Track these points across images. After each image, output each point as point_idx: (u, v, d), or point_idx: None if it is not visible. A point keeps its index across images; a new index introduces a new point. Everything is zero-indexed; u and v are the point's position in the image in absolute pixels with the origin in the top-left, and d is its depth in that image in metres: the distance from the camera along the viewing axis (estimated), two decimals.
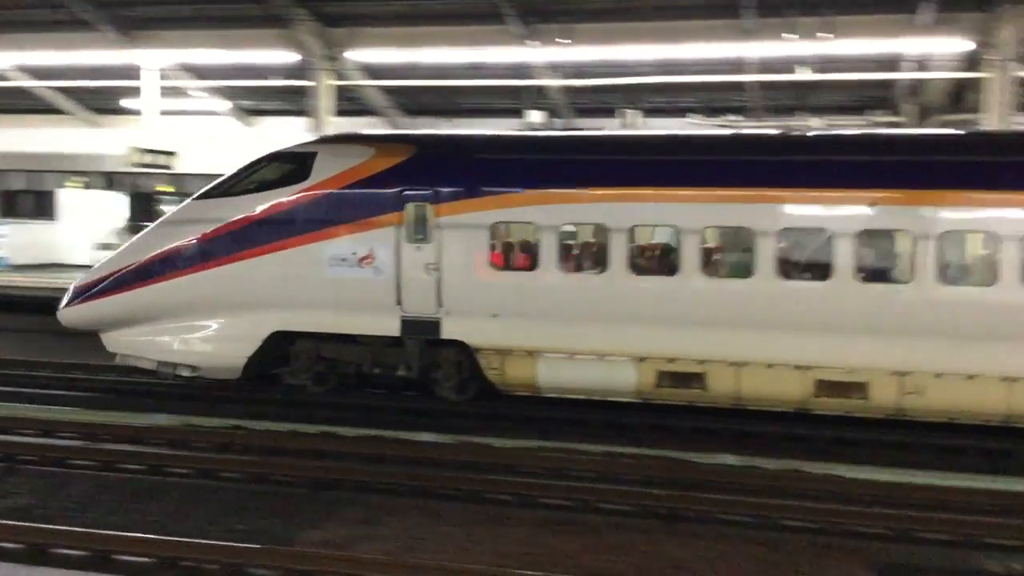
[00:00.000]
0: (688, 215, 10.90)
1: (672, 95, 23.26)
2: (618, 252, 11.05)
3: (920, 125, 21.78)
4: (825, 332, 10.55)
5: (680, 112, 23.82)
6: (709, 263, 11.00)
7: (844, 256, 10.40)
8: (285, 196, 11.91)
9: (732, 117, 22.60)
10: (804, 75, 20.40)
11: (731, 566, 6.97)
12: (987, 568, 7.29)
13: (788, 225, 10.71)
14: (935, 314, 10.25)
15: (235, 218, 12.04)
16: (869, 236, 10.50)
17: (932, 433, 10.79)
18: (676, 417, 11.50)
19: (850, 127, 21.13)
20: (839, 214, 10.52)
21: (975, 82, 19.49)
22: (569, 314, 11.32)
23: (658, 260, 11.38)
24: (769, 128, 20.08)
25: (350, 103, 24.37)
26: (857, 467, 9.63)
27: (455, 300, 11.56)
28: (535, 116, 23.81)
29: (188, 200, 12.88)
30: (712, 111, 23.24)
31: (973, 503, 8.50)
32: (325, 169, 11.92)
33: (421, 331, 11.72)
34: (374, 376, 12.36)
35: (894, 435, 10.83)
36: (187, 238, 12.18)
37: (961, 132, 15.29)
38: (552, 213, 11.28)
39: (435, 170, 11.76)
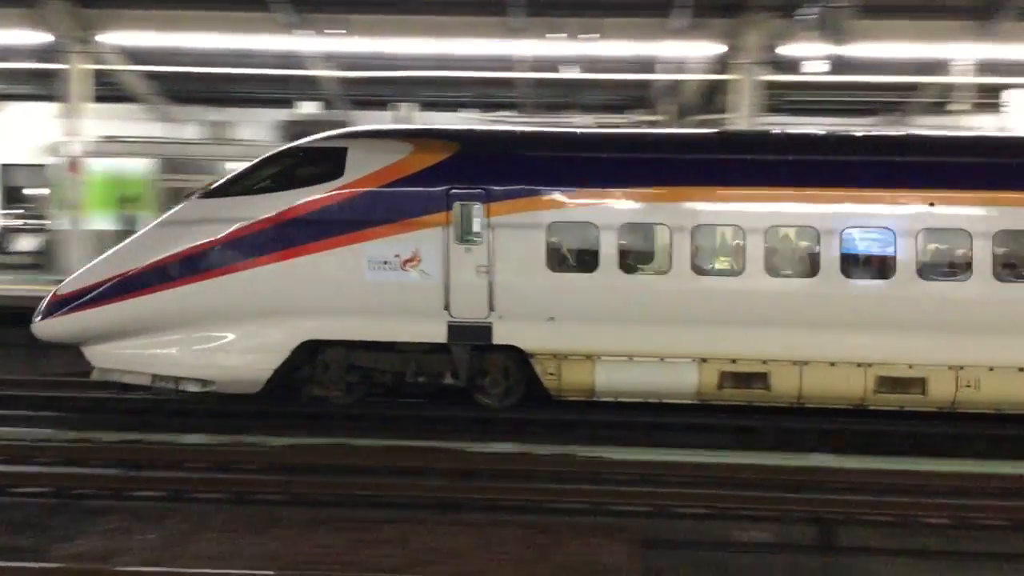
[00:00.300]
0: (751, 215, 10.92)
1: (446, 89, 23.53)
2: (681, 252, 10.90)
3: (678, 124, 23.16)
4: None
5: (454, 107, 24.16)
6: (768, 263, 10.95)
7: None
8: (318, 194, 11.10)
9: (505, 113, 23.23)
10: (571, 74, 21.21)
11: (501, 551, 7.12)
12: (735, 538, 7.87)
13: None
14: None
15: (259, 218, 11.10)
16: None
17: (687, 414, 11.43)
18: (458, 408, 11.66)
19: (619, 125, 22.26)
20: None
21: (725, 83, 20.87)
22: (630, 316, 11.07)
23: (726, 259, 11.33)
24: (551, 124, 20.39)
25: (107, 88, 22.95)
26: (623, 448, 10.15)
27: (508, 303, 11.07)
28: (308, 107, 23.38)
29: (192, 198, 11.70)
30: (486, 106, 23.77)
31: (728, 478, 9.12)
32: (361, 165, 11.18)
33: (470, 337, 11.16)
34: (416, 385, 11.61)
35: (649, 417, 11.43)
36: (201, 240, 11.13)
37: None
38: (614, 213, 11.05)
39: (485, 168, 11.27)
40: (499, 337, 11.13)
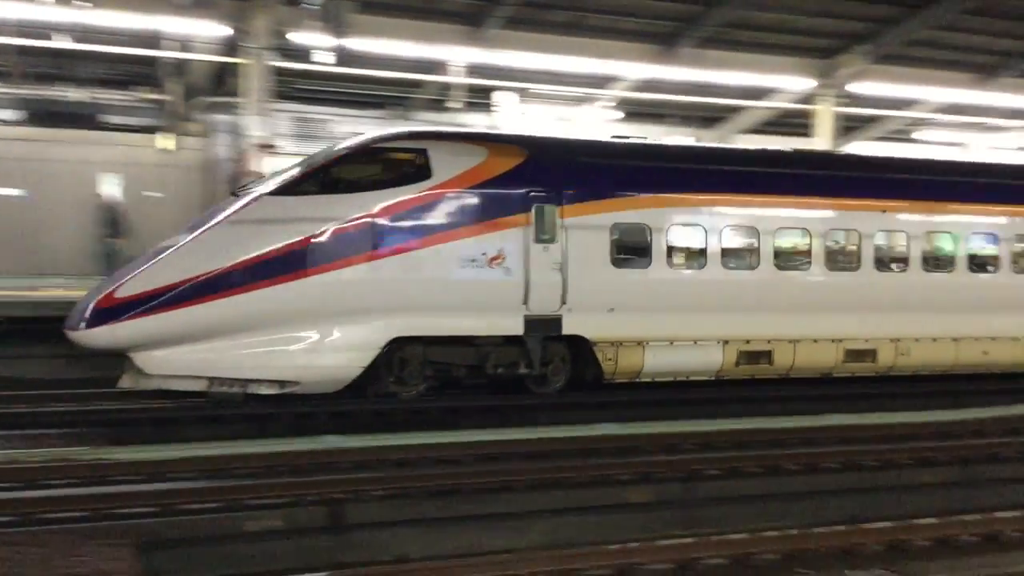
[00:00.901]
0: (770, 219, 13.33)
1: None
2: (714, 250, 12.87)
3: (186, 105, 22.31)
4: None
5: None
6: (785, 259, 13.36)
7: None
8: (410, 194, 11.42)
9: None
10: (62, 43, 19.41)
11: None
12: (246, 528, 7.80)
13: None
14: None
15: (351, 217, 11.22)
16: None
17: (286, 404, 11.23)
18: None
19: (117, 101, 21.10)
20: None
21: (235, 66, 20.51)
22: (674, 306, 12.60)
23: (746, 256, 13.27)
24: None
25: None
26: (127, 448, 9.59)
27: (577, 297, 12.06)
28: None
29: (258, 194, 11.28)
30: None
31: (239, 468, 9.00)
32: (446, 168, 11.60)
33: (544, 329, 12.00)
34: (495, 376, 12.13)
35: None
36: (286, 240, 11.03)
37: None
38: (664, 216, 12.55)
39: (557, 173, 12.22)
40: (568, 328, 12.14)
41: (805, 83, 20.75)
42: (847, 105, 21.93)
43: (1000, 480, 10.21)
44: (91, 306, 10.88)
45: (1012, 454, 10.78)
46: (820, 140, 21.06)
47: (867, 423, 11.59)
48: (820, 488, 9.63)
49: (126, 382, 11.32)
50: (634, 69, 20.67)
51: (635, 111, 24.28)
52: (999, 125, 26.01)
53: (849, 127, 25.34)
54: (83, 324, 10.81)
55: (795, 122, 24.56)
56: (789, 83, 21.02)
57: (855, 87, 20.91)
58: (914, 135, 27.16)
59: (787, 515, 8.81)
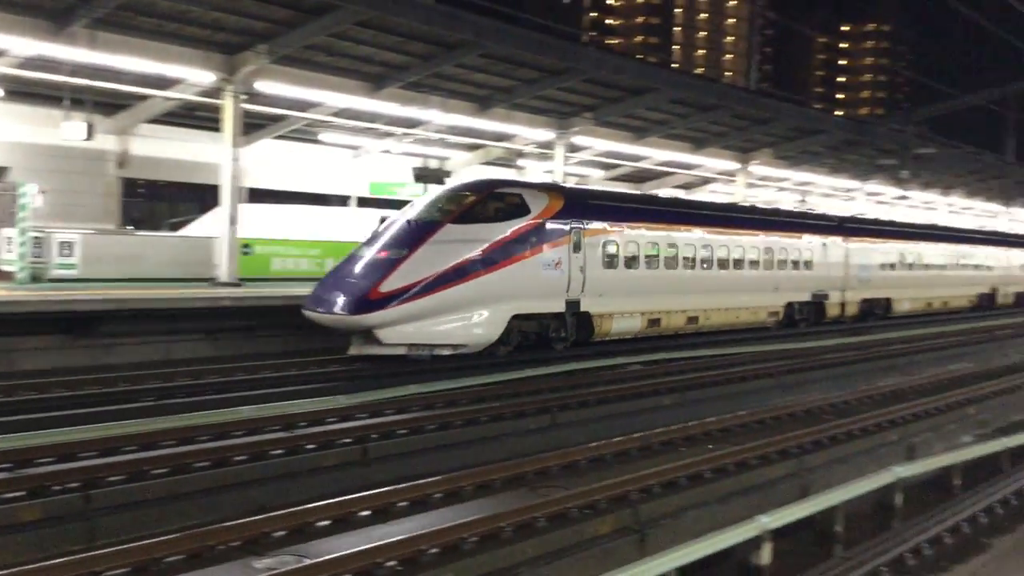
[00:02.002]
0: (692, 241, 21.67)
1: None
2: (650, 256, 20.46)
3: None
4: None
5: None
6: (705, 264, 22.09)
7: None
8: (520, 224, 17.13)
9: None
10: None
11: None
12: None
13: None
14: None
15: (496, 239, 16.64)
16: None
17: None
18: None
19: None
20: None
21: None
22: (625, 292, 19.51)
23: (662, 260, 20.84)
24: None
25: None
26: None
27: (587, 287, 18.40)
28: None
29: (446, 224, 16.36)
30: None
31: None
32: (534, 207, 17.53)
33: (573, 308, 18.33)
34: (551, 338, 18.33)
35: None
36: (469, 253, 16.20)
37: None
38: (627, 235, 19.68)
39: (579, 210, 18.59)
40: (583, 307, 18.43)
41: (207, 76, 20.63)
42: (252, 102, 22.33)
43: (393, 456, 11.20)
44: (360, 298, 15.30)
45: (403, 430, 11.89)
46: (227, 135, 21.11)
47: (271, 415, 11.93)
48: (232, 481, 9.67)
49: (354, 350, 16.19)
50: (20, 44, 18.73)
51: (21, 90, 22.10)
52: (389, 131, 28.58)
53: (256, 124, 25.87)
54: (353, 310, 15.26)
55: (204, 116, 24.38)
56: (192, 75, 20.71)
57: (260, 85, 21.34)
58: (319, 136, 28.63)
59: (193, 514, 8.73)
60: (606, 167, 37.21)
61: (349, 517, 8.56)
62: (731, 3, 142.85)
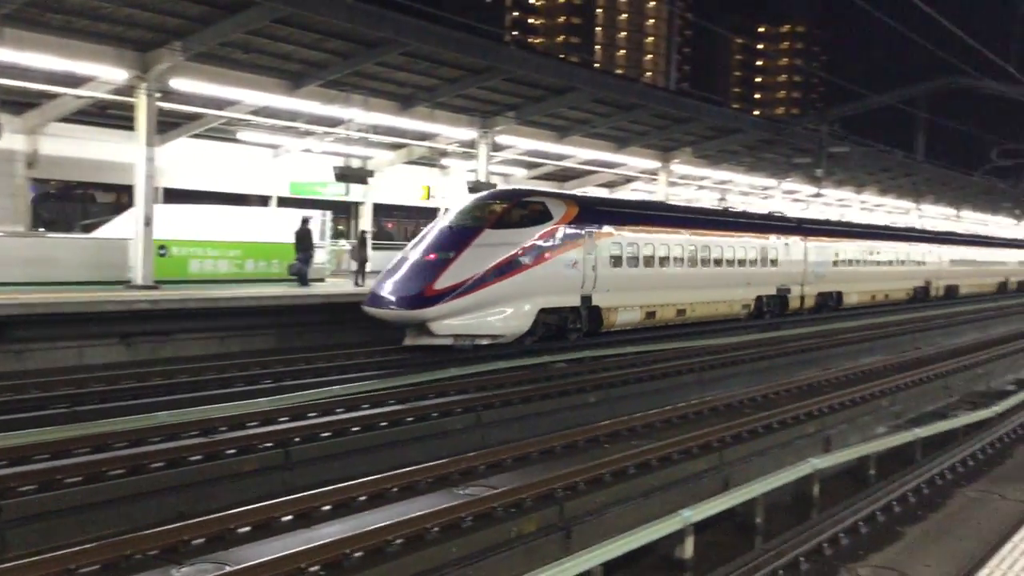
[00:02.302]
0: (681, 242, 23.94)
1: None
2: (647, 257, 22.59)
3: None
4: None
5: None
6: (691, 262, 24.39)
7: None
8: (544, 229, 19.20)
9: None
10: None
11: None
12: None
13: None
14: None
15: (526, 243, 18.70)
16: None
17: None
18: None
19: None
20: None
21: None
22: (627, 288, 21.62)
23: (657, 260, 22.97)
24: None
25: None
26: None
27: (599, 284, 20.55)
28: None
29: (484, 229, 18.45)
30: None
31: None
32: (555, 214, 19.62)
33: (587, 303, 20.43)
34: (568, 329, 20.34)
35: None
36: (505, 255, 18.24)
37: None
38: (629, 237, 21.89)
39: (590, 216, 20.68)
40: (595, 301, 20.58)
41: (120, 74, 20.07)
42: (167, 100, 21.81)
43: (318, 459, 11.06)
44: (417, 296, 17.32)
45: (326, 433, 11.75)
46: (141, 134, 20.57)
47: (190, 420, 11.67)
48: (149, 489, 9.44)
49: (409, 341, 18.04)
50: None
51: None
52: (309, 130, 28.21)
53: (172, 123, 25.28)
54: (412, 306, 17.32)
55: (118, 114, 23.73)
56: (104, 72, 20.12)
57: (176, 83, 20.86)
58: (238, 135, 28.11)
59: (109, 523, 8.50)
60: (530, 166, 37.33)
61: (271, 523, 8.42)
62: (651, 4, 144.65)
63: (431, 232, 19.15)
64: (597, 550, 7.85)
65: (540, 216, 19.52)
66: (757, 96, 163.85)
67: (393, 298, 17.55)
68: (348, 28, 20.20)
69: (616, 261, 21.26)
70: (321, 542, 7.64)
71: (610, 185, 42.96)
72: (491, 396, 14.48)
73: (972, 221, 66.89)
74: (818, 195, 44.42)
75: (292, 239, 23.98)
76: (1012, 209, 64.63)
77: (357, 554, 7.66)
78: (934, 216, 61.55)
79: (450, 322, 17.71)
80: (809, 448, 13.03)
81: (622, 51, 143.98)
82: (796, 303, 29.57)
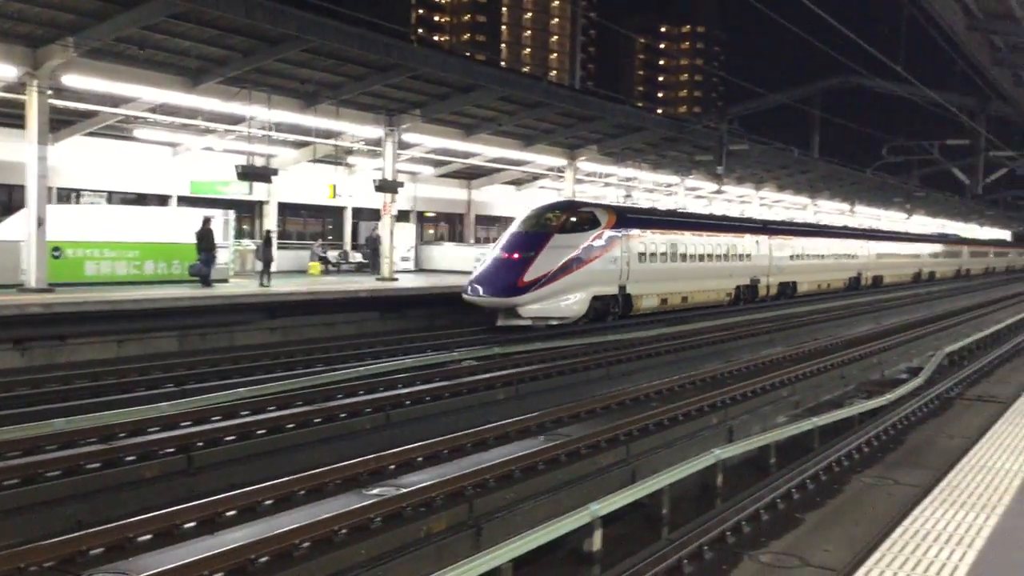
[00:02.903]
0: (685, 241, 29.65)
1: None
2: (662, 254, 28.11)
3: None
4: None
5: None
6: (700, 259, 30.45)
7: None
8: (595, 232, 24.83)
9: None
10: None
11: None
12: None
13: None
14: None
15: (584, 244, 24.28)
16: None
17: None
18: None
19: None
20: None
21: None
22: (650, 279, 27.00)
23: (668, 256, 28.52)
24: None
25: None
26: None
27: (631, 277, 25.96)
28: None
29: (554, 234, 24.06)
30: None
31: None
32: (601, 220, 25.26)
33: (623, 291, 25.80)
34: (609, 312, 25.57)
35: None
36: (570, 254, 23.80)
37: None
38: (651, 238, 27.43)
39: (625, 222, 26.47)
40: (628, 289, 26.04)
41: (9, 71, 19.29)
42: (60, 98, 21.06)
43: (223, 463, 10.85)
44: (510, 286, 22.62)
45: (231, 436, 11.53)
46: (31, 132, 19.81)
47: (88, 427, 11.32)
48: (44, 499, 9.12)
49: (500, 322, 23.14)
50: None
51: None
52: (210, 128, 27.60)
53: (65, 121, 24.42)
54: (507, 294, 22.60)
55: (8, 112, 22.84)
56: None
57: (69, 80, 20.17)
58: (135, 133, 27.32)
59: (5, 534, 8.19)
60: (437, 164, 37.22)
61: (173, 530, 8.23)
62: (555, 3, 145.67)
63: (509, 236, 24.81)
64: (506, 546, 7.89)
65: (591, 222, 25.27)
66: (660, 95, 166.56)
67: (491, 289, 22.80)
68: (248, 24, 19.80)
69: (642, 258, 26.95)
70: (223, 548, 7.50)
71: (517, 183, 43.14)
72: (401, 395, 14.42)
73: (866, 216, 69.27)
74: (720, 192, 45.38)
75: (193, 239, 23.43)
76: (903, 204, 67.07)
77: (263, 559, 7.54)
78: (829, 211, 63.53)
79: (533, 307, 23.07)
80: (713, 439, 13.33)
81: (528, 49, 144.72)
82: (764, 291, 35.37)
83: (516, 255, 23.43)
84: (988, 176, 46.95)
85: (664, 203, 46.16)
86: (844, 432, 14.05)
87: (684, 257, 29.35)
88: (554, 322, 23.50)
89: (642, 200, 45.17)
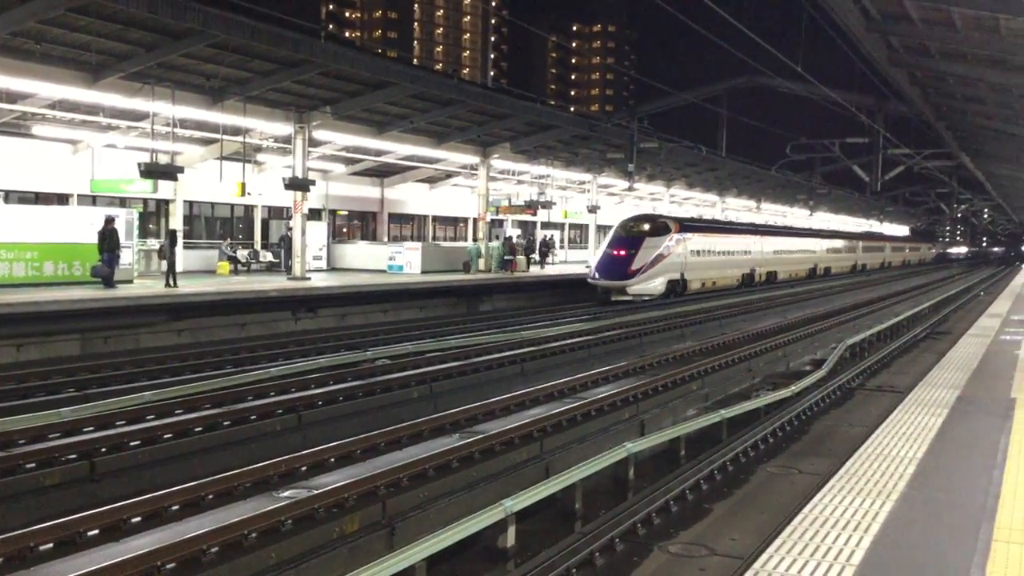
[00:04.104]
0: (718, 240, 42.34)
1: None
2: (706, 251, 39.83)
3: None
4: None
5: None
6: (720, 253, 42.38)
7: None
8: (669, 236, 35.85)
9: None
10: None
11: None
12: None
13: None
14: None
15: (664, 244, 35.37)
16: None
17: None
18: None
19: None
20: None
21: None
22: (700, 267, 38.91)
23: (708, 252, 40.30)
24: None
25: None
26: None
27: (687, 266, 37.23)
28: None
29: (646, 237, 35.21)
30: None
31: None
32: (671, 228, 36.36)
33: (683, 276, 36.91)
34: (673, 292, 36.41)
35: None
36: (657, 252, 34.92)
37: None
38: (699, 240, 38.79)
39: (685, 229, 37.70)
40: (685, 276, 37.34)
41: None
42: None
43: (127, 468, 10.57)
44: (625, 273, 34.16)
45: (136, 442, 11.25)
46: None
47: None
48: None
49: (615, 297, 34.35)
50: None
51: None
52: (112, 124, 26.83)
53: None
54: (623, 279, 34.20)
55: None
56: None
57: None
58: (33, 130, 26.42)
59: None
60: (349, 162, 36.87)
61: (76, 538, 8.00)
62: (467, 0, 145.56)
63: (614, 239, 35.66)
64: (420, 545, 7.88)
65: (666, 229, 36.09)
66: (573, 93, 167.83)
67: (613, 274, 34.17)
68: (150, 18, 19.30)
69: (694, 253, 37.80)
70: (127, 555, 7.32)
71: (431, 180, 42.98)
72: (313, 396, 14.26)
73: (771, 213, 71.09)
74: (631, 189, 46.02)
75: (95, 239, 22.76)
76: (806, 201, 68.95)
77: (169, 565, 7.39)
78: (738, 209, 64.95)
79: (637, 287, 34.17)
80: (625, 433, 13.52)
81: (440, 47, 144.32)
82: (757, 278, 47.04)
83: (623, 252, 34.67)
84: (886, 173, 48.52)
85: (687, 210, 60.50)
86: (751, 423, 14.40)
87: (715, 252, 40.90)
88: (646, 298, 34.60)
89: (556, 197, 45.54)
